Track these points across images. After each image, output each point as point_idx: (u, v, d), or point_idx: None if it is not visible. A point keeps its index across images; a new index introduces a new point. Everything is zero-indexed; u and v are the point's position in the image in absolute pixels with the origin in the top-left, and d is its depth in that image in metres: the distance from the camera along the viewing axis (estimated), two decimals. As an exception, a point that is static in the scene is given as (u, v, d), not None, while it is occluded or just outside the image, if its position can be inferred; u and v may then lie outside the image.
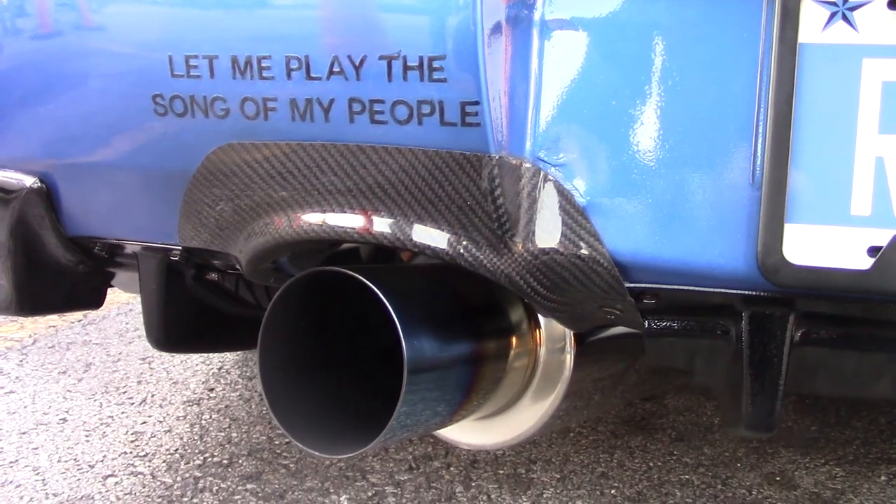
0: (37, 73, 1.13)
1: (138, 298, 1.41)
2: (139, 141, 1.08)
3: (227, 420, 2.08)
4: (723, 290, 0.90)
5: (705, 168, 0.86)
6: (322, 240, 1.00)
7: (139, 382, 2.34)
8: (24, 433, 2.03)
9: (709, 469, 1.81)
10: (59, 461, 1.88)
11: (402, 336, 0.98)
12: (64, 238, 1.25)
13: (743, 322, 0.93)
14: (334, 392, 1.18)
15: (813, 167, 0.83)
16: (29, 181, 1.21)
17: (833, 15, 0.82)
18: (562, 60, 0.89)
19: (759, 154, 0.84)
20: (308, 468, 1.81)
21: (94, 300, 1.43)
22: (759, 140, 0.84)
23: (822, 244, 0.84)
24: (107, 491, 1.75)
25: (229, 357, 2.50)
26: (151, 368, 2.44)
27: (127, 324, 2.87)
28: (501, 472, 1.79)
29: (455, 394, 1.15)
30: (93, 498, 1.72)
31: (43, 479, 1.80)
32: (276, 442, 1.95)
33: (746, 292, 0.89)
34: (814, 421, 2.05)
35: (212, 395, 2.24)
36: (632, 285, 0.92)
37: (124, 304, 3.01)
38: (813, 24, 0.82)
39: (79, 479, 1.80)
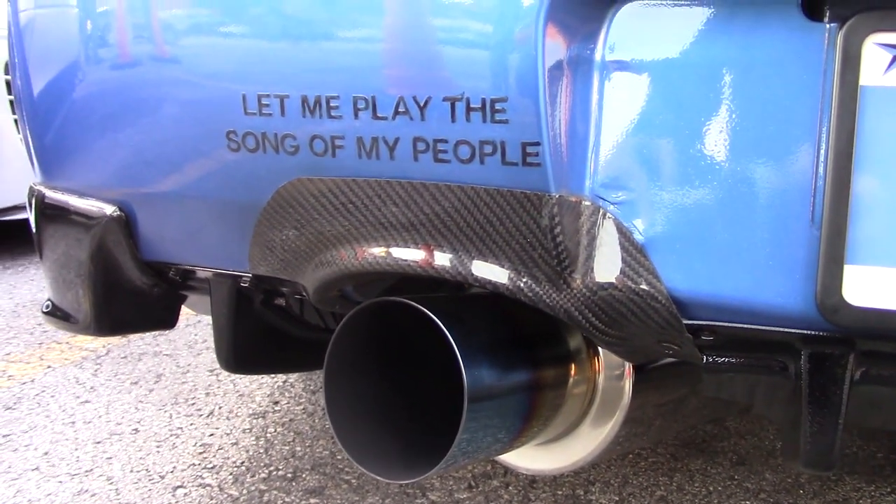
0: (116, 100, 1.19)
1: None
2: (213, 173, 1.13)
3: (292, 433, 2.14)
4: (781, 329, 0.90)
5: (764, 207, 0.87)
6: (385, 272, 1.03)
7: (207, 394, 2.41)
8: (98, 443, 2.11)
9: (770, 495, 1.79)
10: (131, 471, 1.96)
11: (462, 365, 1.01)
12: (140, 263, 1.31)
13: (802, 360, 0.94)
14: (397, 417, 1.21)
15: (873, 209, 0.84)
16: (109, 209, 1.27)
17: (894, 59, 0.82)
18: (621, 101, 0.91)
19: (818, 195, 0.85)
20: (369, 484, 1.85)
21: (167, 320, 1.49)
22: (819, 181, 0.85)
23: (881, 286, 0.84)
24: (176, 502, 1.81)
25: (294, 370, 2.56)
26: (219, 380, 2.51)
27: (195, 335, 2.96)
28: (560, 492, 1.80)
29: (515, 421, 1.17)
30: (163, 508, 1.78)
31: (116, 489, 1.87)
32: (339, 457, 1.99)
33: (805, 332, 0.90)
34: (879, 447, 2.01)
35: (277, 408, 2.30)
36: (690, 322, 0.93)
37: (193, 315, 3.10)
38: (874, 66, 0.83)
39: (150, 490, 1.86)
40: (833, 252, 0.84)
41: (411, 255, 1.01)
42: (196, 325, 3.06)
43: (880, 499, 1.77)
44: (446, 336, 1.02)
